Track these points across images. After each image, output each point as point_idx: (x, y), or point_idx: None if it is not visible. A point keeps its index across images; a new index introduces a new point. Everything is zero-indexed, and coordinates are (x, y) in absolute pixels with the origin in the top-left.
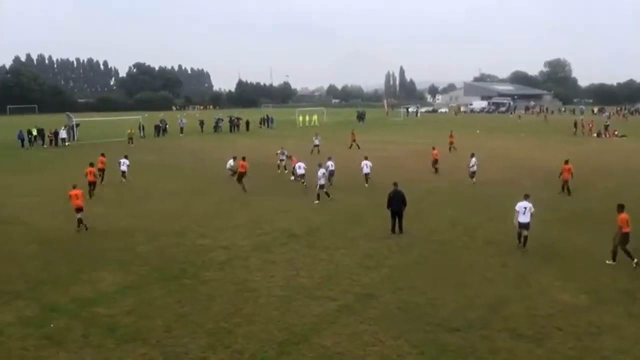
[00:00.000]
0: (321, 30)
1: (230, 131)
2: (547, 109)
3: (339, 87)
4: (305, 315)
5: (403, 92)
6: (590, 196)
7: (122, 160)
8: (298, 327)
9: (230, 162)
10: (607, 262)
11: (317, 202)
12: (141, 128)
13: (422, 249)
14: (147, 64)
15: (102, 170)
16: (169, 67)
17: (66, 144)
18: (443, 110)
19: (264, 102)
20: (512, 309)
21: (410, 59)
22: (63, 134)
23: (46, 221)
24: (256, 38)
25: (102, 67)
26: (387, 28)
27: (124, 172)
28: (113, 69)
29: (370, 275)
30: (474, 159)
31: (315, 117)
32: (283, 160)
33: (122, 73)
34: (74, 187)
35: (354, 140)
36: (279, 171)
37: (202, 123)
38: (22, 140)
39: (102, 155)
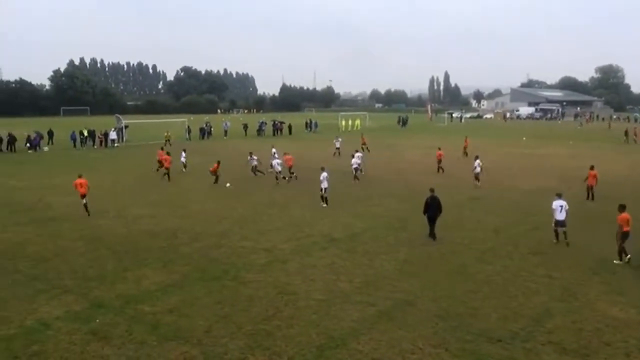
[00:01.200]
0: (365, 35)
1: (274, 135)
2: (597, 116)
3: (382, 91)
4: (343, 319)
5: (447, 97)
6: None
7: (182, 153)
8: (336, 332)
9: (275, 158)
10: (614, 261)
11: (324, 205)
12: (187, 130)
13: (463, 257)
14: (194, 67)
15: (160, 162)
16: (215, 71)
17: (115, 145)
18: (488, 116)
19: (307, 107)
20: (557, 322)
21: (455, 64)
22: (113, 135)
23: (94, 219)
24: (300, 43)
25: (150, 70)
26: (432, 31)
27: (184, 164)
28: (161, 73)
29: (410, 282)
30: (477, 162)
31: (357, 122)
32: (255, 165)
33: (170, 76)
34: (80, 177)
35: (364, 144)
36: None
37: (245, 126)
38: (75, 141)
39: (162, 149)
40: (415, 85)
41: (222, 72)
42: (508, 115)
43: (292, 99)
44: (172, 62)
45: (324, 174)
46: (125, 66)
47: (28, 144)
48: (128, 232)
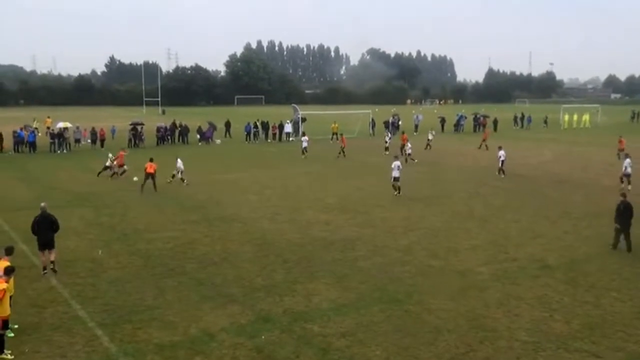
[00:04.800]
0: (599, 2)
1: (475, 131)
2: None
3: (622, 78)
4: None
5: None
6: None
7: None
8: None
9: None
10: None
11: (396, 193)
12: (371, 124)
13: None
14: (381, 50)
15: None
16: (407, 54)
17: (290, 139)
18: None
19: (518, 97)
20: None
21: None
22: (288, 127)
23: (265, 222)
24: (514, 16)
25: (332, 53)
26: None
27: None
28: (344, 56)
29: None
30: (627, 160)
31: (586, 117)
32: (111, 169)
33: (354, 60)
34: (151, 161)
35: (484, 140)
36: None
37: (443, 120)
38: (248, 134)
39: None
40: None
41: (414, 54)
42: None
43: (499, 87)
44: (357, 43)
45: (396, 163)
46: (305, 49)
47: (198, 136)
48: (300, 239)
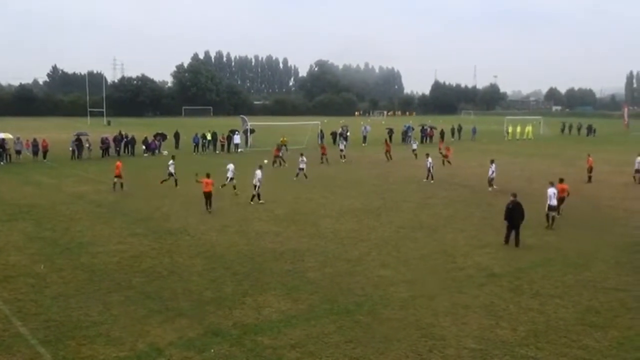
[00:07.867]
0: (543, 19)
1: (422, 142)
2: None
3: (563, 90)
4: None
5: None
6: None
7: (300, 159)
8: None
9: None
10: None
11: (259, 201)
12: (319, 135)
13: None
14: (330, 61)
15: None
16: (354, 66)
17: (239, 150)
18: None
19: (464, 109)
20: None
21: None
22: (237, 139)
23: (214, 234)
24: (458, 30)
25: (281, 65)
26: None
27: (302, 169)
28: (293, 68)
29: (595, 336)
30: (493, 166)
31: (529, 129)
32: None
33: (303, 72)
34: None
35: (441, 149)
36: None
37: (391, 132)
38: (196, 145)
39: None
40: (608, 83)
41: (362, 66)
42: None
43: (445, 99)
44: (305, 55)
45: (258, 171)
46: (253, 60)
47: (144, 147)
48: (250, 251)
